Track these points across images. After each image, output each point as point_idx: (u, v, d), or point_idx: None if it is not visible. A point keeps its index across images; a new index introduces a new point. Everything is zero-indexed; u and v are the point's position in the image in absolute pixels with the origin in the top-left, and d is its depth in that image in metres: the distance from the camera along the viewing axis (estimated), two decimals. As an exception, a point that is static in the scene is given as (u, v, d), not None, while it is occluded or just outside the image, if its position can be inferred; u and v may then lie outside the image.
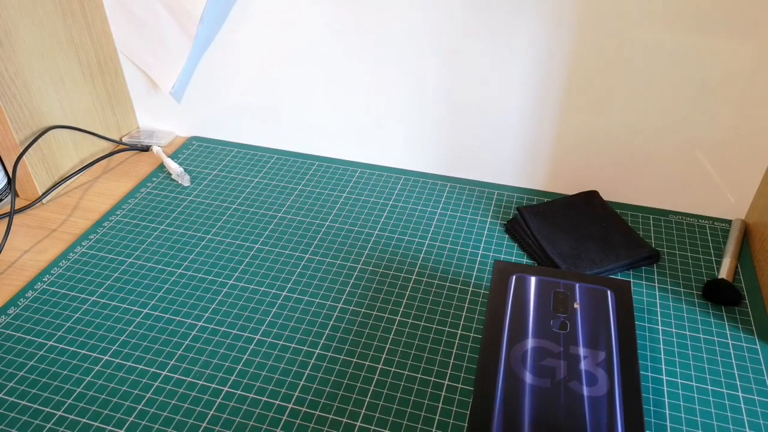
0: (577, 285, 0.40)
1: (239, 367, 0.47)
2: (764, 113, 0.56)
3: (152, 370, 0.47)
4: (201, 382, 0.46)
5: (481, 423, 0.36)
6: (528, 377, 0.37)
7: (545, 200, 0.65)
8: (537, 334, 0.38)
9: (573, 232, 0.57)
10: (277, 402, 0.44)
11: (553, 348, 0.38)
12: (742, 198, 0.61)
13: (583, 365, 0.37)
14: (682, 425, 0.42)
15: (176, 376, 0.46)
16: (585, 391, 0.37)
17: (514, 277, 0.40)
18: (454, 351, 0.48)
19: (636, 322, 0.49)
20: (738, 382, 0.45)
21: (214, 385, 0.45)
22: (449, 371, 0.46)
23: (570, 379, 0.37)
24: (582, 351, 0.38)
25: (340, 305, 0.53)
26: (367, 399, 0.44)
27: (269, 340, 0.49)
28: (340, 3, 0.62)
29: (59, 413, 0.44)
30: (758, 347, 0.48)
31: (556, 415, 0.36)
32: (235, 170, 0.72)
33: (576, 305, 0.39)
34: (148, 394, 0.45)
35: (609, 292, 0.40)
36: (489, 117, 0.65)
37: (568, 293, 0.39)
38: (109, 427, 0.42)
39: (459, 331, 0.50)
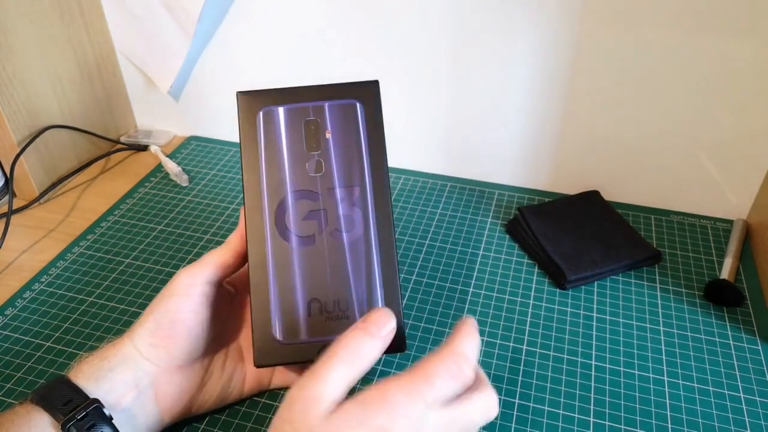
0: (327, 105, 0.38)
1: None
2: (766, 113, 0.56)
3: (150, 371, 0.46)
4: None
5: (261, 308, 0.36)
6: (294, 241, 0.37)
7: (546, 200, 0.65)
8: (295, 186, 0.37)
9: (574, 232, 0.57)
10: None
11: (312, 198, 0.37)
12: (744, 198, 0.61)
13: (341, 209, 0.37)
14: (683, 426, 0.42)
15: (175, 377, 0.46)
16: (345, 238, 0.37)
17: (261, 113, 0.38)
18: (455, 352, 0.48)
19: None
20: (739, 383, 0.45)
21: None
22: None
23: (331, 229, 0.37)
24: (338, 193, 0.37)
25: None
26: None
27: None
28: (340, 1, 0.62)
29: (57, 415, 0.43)
30: (759, 348, 0.48)
31: (323, 272, 0.37)
32: (233, 170, 0.72)
33: (328, 134, 0.38)
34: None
35: (358, 105, 0.38)
36: (490, 117, 0.64)
37: (318, 120, 0.38)
38: (107, 429, 0.42)
39: (459, 332, 0.49)
